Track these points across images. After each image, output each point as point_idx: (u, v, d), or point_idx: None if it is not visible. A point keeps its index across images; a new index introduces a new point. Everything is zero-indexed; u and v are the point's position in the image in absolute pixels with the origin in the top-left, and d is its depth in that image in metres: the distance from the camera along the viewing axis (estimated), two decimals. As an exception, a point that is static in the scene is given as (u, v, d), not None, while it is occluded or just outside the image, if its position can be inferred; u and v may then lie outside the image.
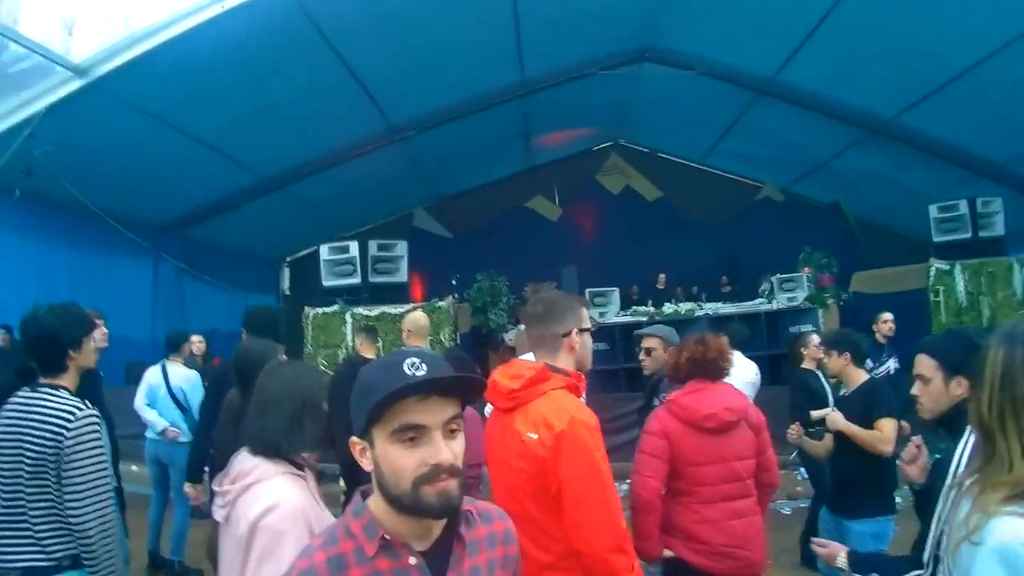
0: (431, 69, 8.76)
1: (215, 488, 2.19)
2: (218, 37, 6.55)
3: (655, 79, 10.56)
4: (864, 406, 3.82)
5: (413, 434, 1.30)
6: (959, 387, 2.38)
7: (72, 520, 2.54)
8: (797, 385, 5.71)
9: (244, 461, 2.16)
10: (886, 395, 3.88)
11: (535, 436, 2.23)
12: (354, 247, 9.36)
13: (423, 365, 1.32)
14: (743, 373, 4.82)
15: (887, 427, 3.72)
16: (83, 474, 2.56)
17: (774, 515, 6.74)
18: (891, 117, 9.70)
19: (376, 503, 1.38)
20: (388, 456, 1.31)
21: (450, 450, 1.32)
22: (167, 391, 5.90)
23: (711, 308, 10.54)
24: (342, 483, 5.53)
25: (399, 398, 1.28)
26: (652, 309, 10.62)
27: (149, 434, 5.88)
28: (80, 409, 2.61)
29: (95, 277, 8.09)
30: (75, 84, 6.55)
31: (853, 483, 3.78)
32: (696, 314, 10.12)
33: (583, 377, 2.49)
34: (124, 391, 6.32)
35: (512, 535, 1.57)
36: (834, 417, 3.84)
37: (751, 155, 12.77)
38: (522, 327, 9.83)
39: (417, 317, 5.81)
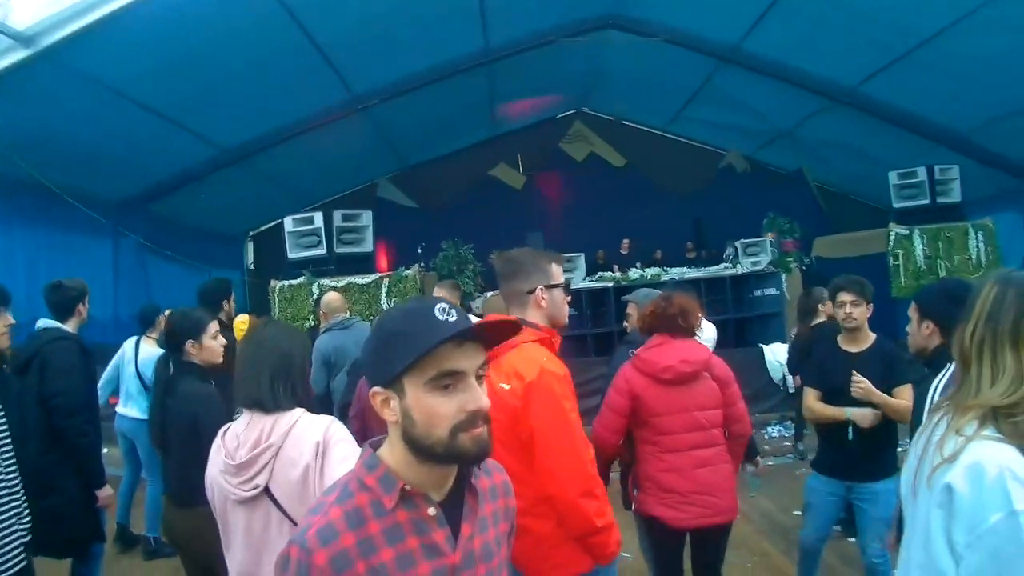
0: (393, 37, 8.58)
1: (229, 463, 2.20)
2: (175, 5, 6.35)
3: (620, 47, 10.52)
4: (884, 368, 3.71)
5: (450, 381, 1.29)
6: (927, 329, 2.88)
7: None
8: (825, 338, 4.91)
9: (258, 422, 2.22)
10: (904, 358, 3.76)
11: (507, 386, 2.33)
12: (318, 218, 9.26)
13: (452, 311, 1.31)
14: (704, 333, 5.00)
15: (909, 394, 3.54)
16: None
17: (741, 475, 6.94)
18: (853, 86, 9.78)
19: (392, 454, 1.37)
20: (423, 404, 1.29)
21: (484, 395, 1.33)
22: (134, 368, 5.84)
23: (676, 273, 10.61)
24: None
25: (444, 343, 1.26)
26: (618, 274, 10.67)
27: (118, 408, 5.85)
28: None
29: (54, 257, 7.87)
30: (20, 54, 6.28)
31: (883, 447, 3.74)
32: (662, 279, 10.19)
33: (557, 333, 2.57)
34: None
35: (510, 487, 1.58)
36: (868, 388, 3.64)
37: (716, 122, 12.80)
38: (488, 295, 9.89)
39: (331, 299, 5.84)
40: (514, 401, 2.31)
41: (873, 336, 3.87)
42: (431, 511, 1.35)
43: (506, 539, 1.54)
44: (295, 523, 2.12)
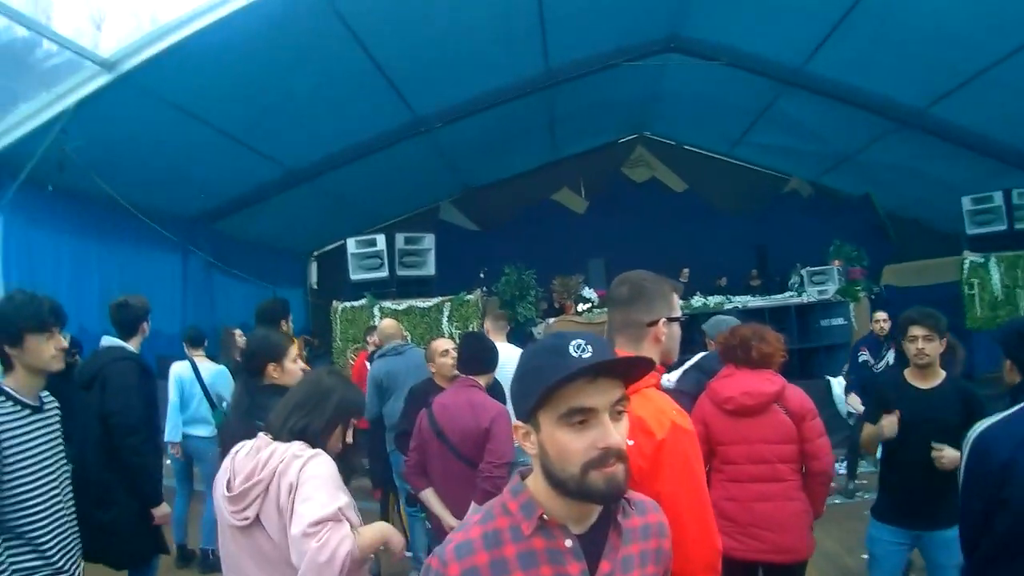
0: (456, 61, 8.74)
1: (227, 494, 2.25)
2: (243, 30, 6.57)
3: (681, 70, 10.46)
4: (964, 407, 3.36)
5: (582, 417, 1.29)
6: (1011, 369, 2.85)
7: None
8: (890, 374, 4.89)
9: (257, 452, 2.26)
10: (981, 395, 3.48)
11: (631, 442, 1.89)
12: (381, 240, 9.41)
13: (588, 347, 1.32)
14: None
15: None
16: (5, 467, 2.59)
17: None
18: (922, 108, 9.51)
19: (536, 484, 1.39)
20: (555, 440, 1.31)
21: (618, 433, 1.32)
22: (201, 387, 5.96)
23: (740, 301, 10.39)
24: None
25: (570, 381, 1.28)
26: (681, 302, 10.49)
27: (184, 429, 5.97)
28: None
29: (126, 271, 8.19)
30: (104, 78, 6.60)
31: (953, 489, 3.28)
32: (725, 307, 9.99)
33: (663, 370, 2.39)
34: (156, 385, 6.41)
35: (666, 528, 1.56)
36: (953, 456, 3.18)
37: (778, 147, 12.61)
38: (551, 321, 9.84)
39: (385, 325, 6.05)
40: (640, 460, 1.94)
41: (943, 374, 3.59)
42: (568, 543, 1.35)
43: None
44: (284, 553, 2.16)
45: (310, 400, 2.35)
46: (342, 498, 2.19)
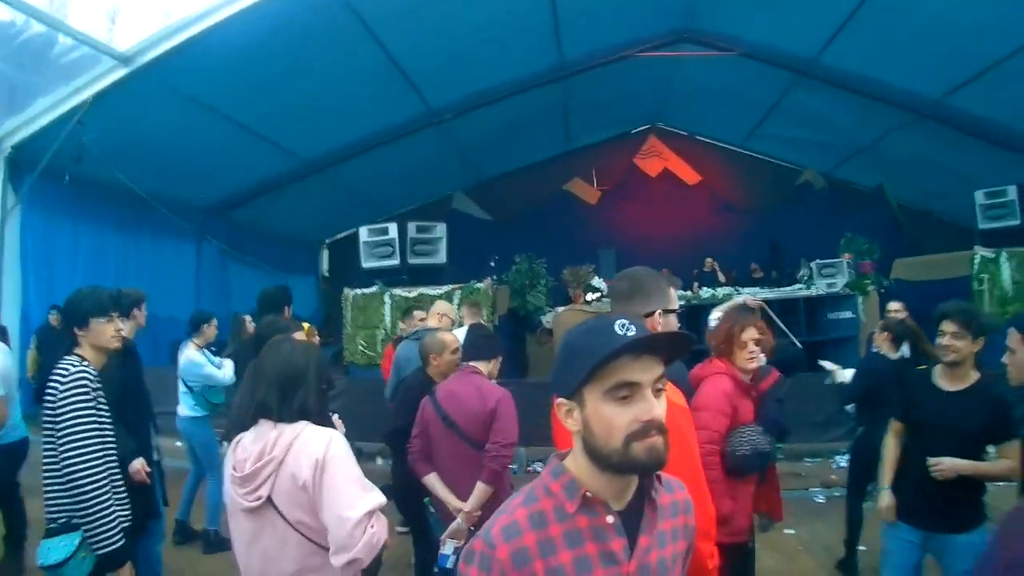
0: (469, 53, 8.80)
1: (236, 475, 2.30)
2: (258, 24, 6.68)
3: (694, 61, 10.43)
4: (987, 416, 3.21)
5: (627, 392, 1.34)
6: None
7: (61, 475, 2.82)
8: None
9: (264, 434, 2.30)
10: (1012, 407, 3.26)
11: None
12: (393, 229, 9.48)
13: (632, 326, 1.36)
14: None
15: (1016, 453, 3.09)
16: (68, 428, 2.82)
17: (807, 504, 6.70)
18: (937, 98, 9.43)
19: (576, 463, 1.43)
20: (601, 414, 1.35)
21: (660, 407, 1.36)
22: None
23: (749, 292, 10.38)
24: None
25: (618, 356, 1.32)
26: (689, 293, 10.54)
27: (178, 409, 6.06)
28: (70, 367, 2.91)
29: (142, 259, 8.35)
30: (120, 72, 6.75)
31: (967, 493, 3.29)
32: (734, 298, 9.99)
33: None
34: (170, 370, 6.50)
35: (691, 505, 1.60)
36: (951, 466, 3.17)
37: (792, 138, 12.56)
38: (560, 310, 9.90)
39: (437, 307, 5.94)
40: None
41: (976, 375, 3.36)
42: (610, 519, 1.39)
43: (682, 558, 1.56)
44: (298, 531, 2.24)
45: (293, 378, 2.38)
46: (377, 492, 2.30)
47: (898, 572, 3.49)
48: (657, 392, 1.37)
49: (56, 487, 2.89)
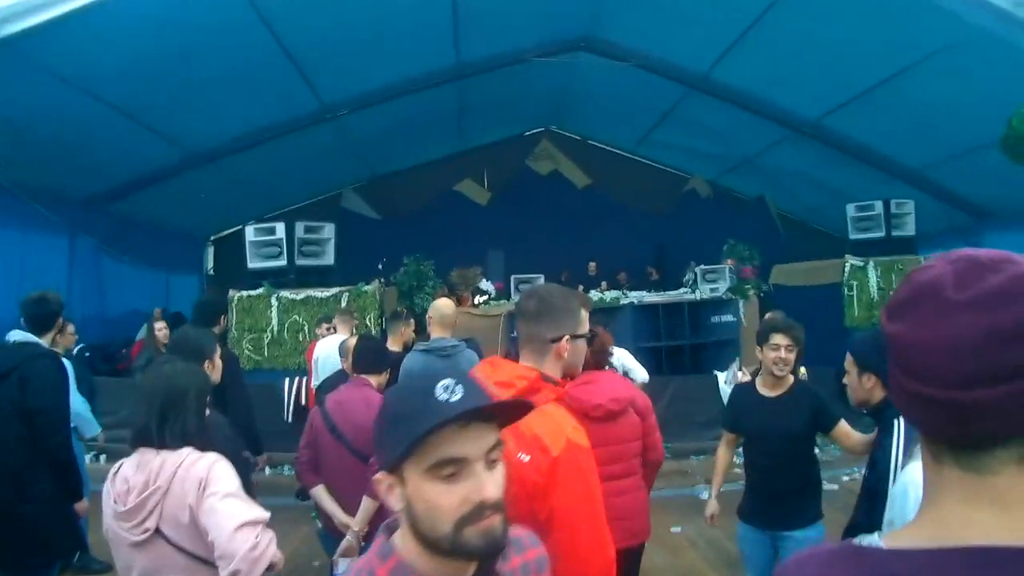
0: (366, 49, 8.59)
1: (119, 509, 2.21)
2: (145, 5, 6.27)
3: (590, 69, 10.59)
4: (810, 414, 3.57)
5: (452, 469, 1.15)
6: (869, 382, 2.79)
7: None
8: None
9: (147, 463, 2.23)
10: (825, 398, 3.68)
11: (527, 457, 2.00)
12: (281, 229, 9.20)
13: (458, 387, 1.17)
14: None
15: (849, 429, 3.57)
16: None
17: (693, 501, 6.89)
18: (815, 118, 10.05)
19: (406, 543, 1.23)
20: (424, 495, 1.16)
21: (493, 483, 1.18)
22: None
23: (636, 296, 10.61)
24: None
25: (437, 430, 1.13)
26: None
27: None
28: None
29: (7, 255, 7.70)
30: (-23, 43, 6.10)
31: (804, 492, 3.62)
32: (621, 302, 10.21)
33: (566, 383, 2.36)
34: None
35: (545, 562, 1.47)
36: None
37: (681, 146, 12.99)
38: (436, 302, 9.80)
39: (442, 306, 5.31)
40: (535, 476, 1.98)
41: (792, 380, 3.70)
42: None
43: None
44: (193, 556, 2.18)
45: (173, 402, 2.32)
46: (259, 508, 2.25)
47: (757, 570, 3.79)
48: (491, 464, 1.19)
49: None
